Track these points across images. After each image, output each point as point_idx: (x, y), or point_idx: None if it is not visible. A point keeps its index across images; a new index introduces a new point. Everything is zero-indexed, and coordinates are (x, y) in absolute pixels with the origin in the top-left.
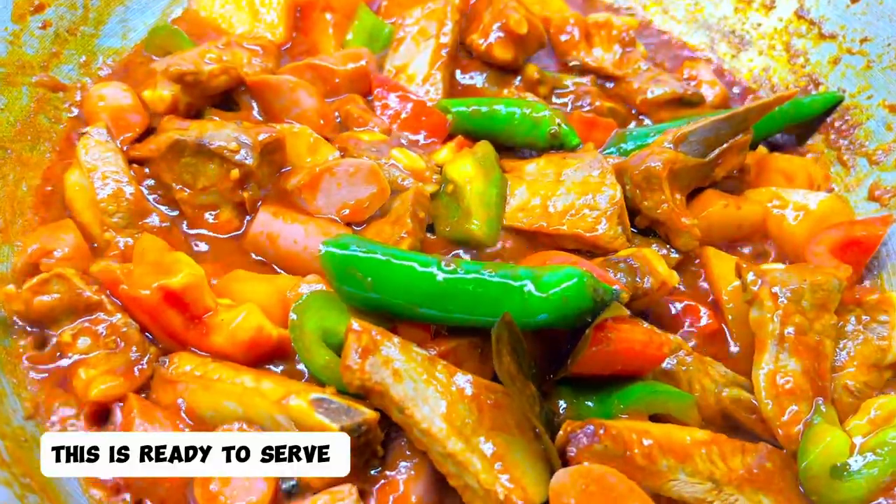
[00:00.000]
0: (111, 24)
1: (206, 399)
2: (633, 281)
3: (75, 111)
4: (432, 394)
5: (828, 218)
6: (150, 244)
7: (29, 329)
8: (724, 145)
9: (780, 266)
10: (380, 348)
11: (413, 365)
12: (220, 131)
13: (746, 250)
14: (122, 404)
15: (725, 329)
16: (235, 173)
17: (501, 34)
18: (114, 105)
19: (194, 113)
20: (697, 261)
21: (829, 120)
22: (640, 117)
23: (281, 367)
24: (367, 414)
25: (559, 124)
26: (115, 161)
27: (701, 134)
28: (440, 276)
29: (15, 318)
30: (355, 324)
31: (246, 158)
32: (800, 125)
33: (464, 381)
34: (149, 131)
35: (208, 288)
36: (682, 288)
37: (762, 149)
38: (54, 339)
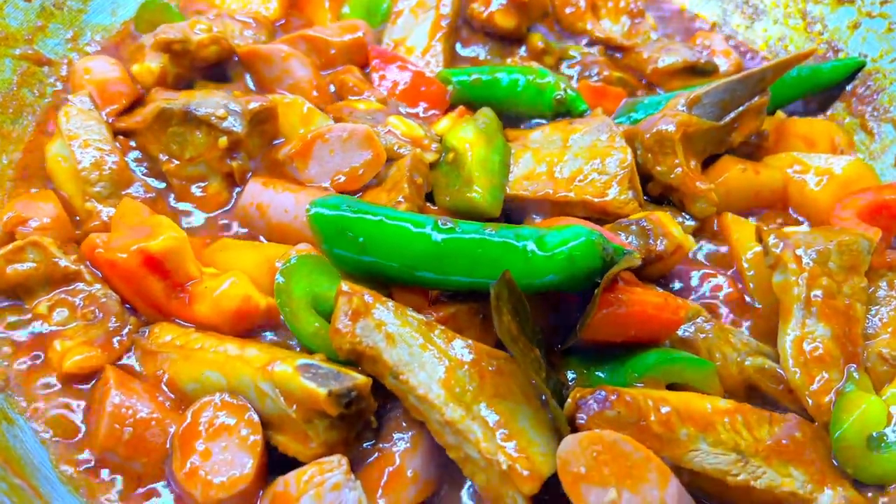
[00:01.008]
0: (100, 0)
1: (186, 370)
2: (646, 244)
3: (60, 85)
4: (429, 359)
5: (853, 183)
6: (131, 208)
7: (1, 300)
8: (741, 108)
9: (804, 228)
10: (371, 311)
11: (408, 329)
12: (207, 99)
13: (766, 219)
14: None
15: (748, 298)
16: (223, 141)
17: (503, 1)
18: (100, 78)
19: (184, 85)
20: (715, 228)
21: (850, 87)
22: (651, 87)
23: (270, 339)
24: (359, 379)
25: (565, 90)
26: (98, 130)
27: (716, 96)
28: (437, 237)
29: None
30: (345, 285)
31: (234, 126)
32: (820, 93)
33: (463, 346)
34: (135, 106)
35: (192, 254)
36: (699, 258)
37: (780, 114)
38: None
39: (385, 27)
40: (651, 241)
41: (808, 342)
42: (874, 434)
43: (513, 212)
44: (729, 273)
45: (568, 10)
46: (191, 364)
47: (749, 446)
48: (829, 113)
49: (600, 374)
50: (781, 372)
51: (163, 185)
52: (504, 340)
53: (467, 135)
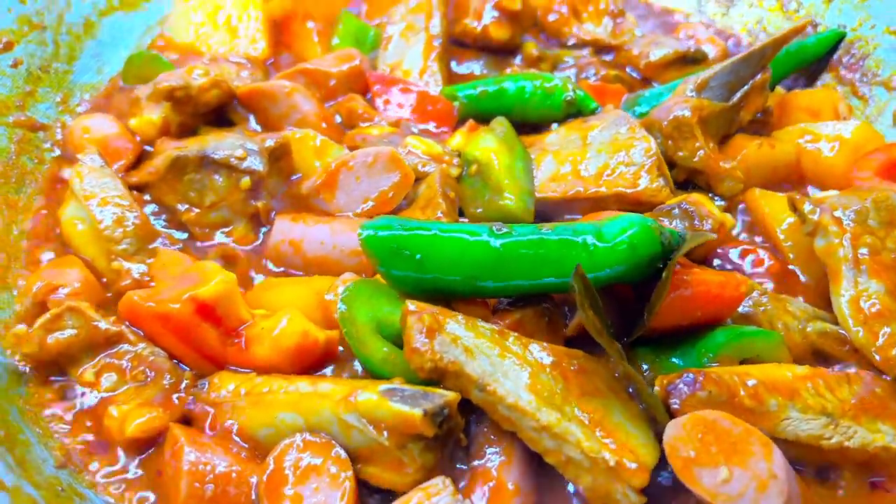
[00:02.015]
0: (84, 59)
1: (258, 416)
2: (692, 226)
3: (58, 150)
4: (510, 367)
5: (863, 145)
6: (171, 258)
7: (45, 373)
8: (746, 87)
9: (835, 192)
10: (444, 326)
11: (483, 340)
12: (222, 141)
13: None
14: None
15: (790, 267)
16: (246, 182)
17: (496, 13)
18: (100, 135)
19: (188, 133)
20: (742, 205)
21: (835, 57)
22: (647, 81)
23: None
24: (449, 395)
25: (573, 90)
26: (115, 185)
27: (721, 78)
28: (495, 243)
29: (27, 364)
30: (411, 305)
31: (255, 165)
32: (807, 68)
33: (540, 350)
34: (140, 159)
35: (241, 296)
36: (733, 234)
37: (780, 90)
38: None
39: (377, 54)
40: (696, 222)
41: (864, 300)
42: None
43: (543, 215)
44: (766, 246)
45: (551, 18)
46: (262, 409)
47: (836, 408)
48: (818, 85)
49: (674, 360)
50: (844, 333)
51: (185, 236)
52: (592, 334)
53: (489, 144)
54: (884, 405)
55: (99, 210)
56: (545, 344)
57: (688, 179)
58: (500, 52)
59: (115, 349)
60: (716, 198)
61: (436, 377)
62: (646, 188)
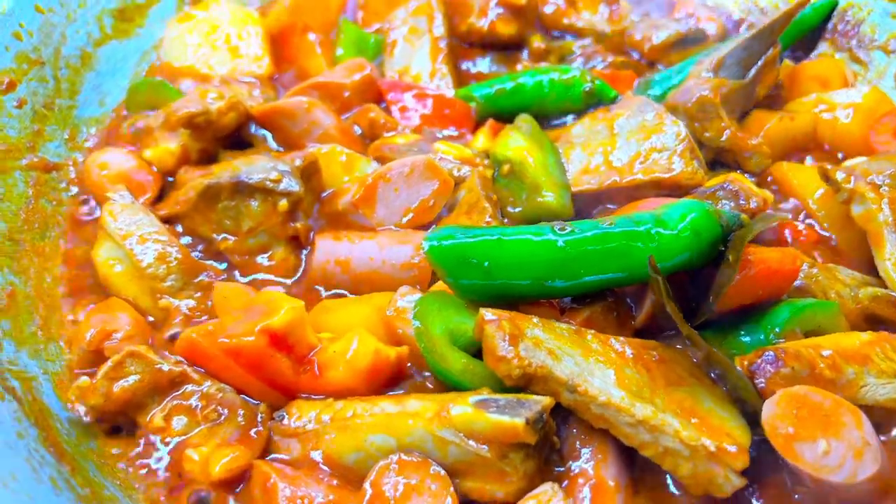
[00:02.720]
0: (85, 93)
1: (346, 441)
2: (739, 205)
3: (74, 189)
4: (595, 365)
5: (875, 109)
6: (230, 291)
7: (113, 423)
8: (760, 62)
9: (862, 159)
10: (525, 331)
11: (562, 341)
12: (253, 165)
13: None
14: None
15: (824, 234)
16: (284, 205)
17: (501, 10)
18: (118, 170)
19: (207, 160)
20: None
21: (829, 26)
22: (652, 65)
23: (401, 391)
24: (544, 401)
25: (592, 80)
26: (150, 221)
27: (736, 55)
28: (560, 242)
29: (94, 416)
30: (488, 313)
31: (292, 186)
32: (802, 39)
33: (619, 345)
34: (162, 191)
35: (309, 323)
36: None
37: (787, 62)
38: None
39: (381, 60)
40: (742, 201)
41: None
42: None
43: (579, 208)
44: (801, 218)
45: (548, 10)
46: (349, 434)
47: None
48: (815, 56)
49: (744, 339)
50: (894, 295)
51: (224, 265)
52: (677, 319)
53: (520, 143)
54: None
55: (139, 248)
56: (622, 338)
57: (715, 159)
58: (506, 49)
59: (181, 390)
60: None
61: (523, 383)
62: (682, 172)
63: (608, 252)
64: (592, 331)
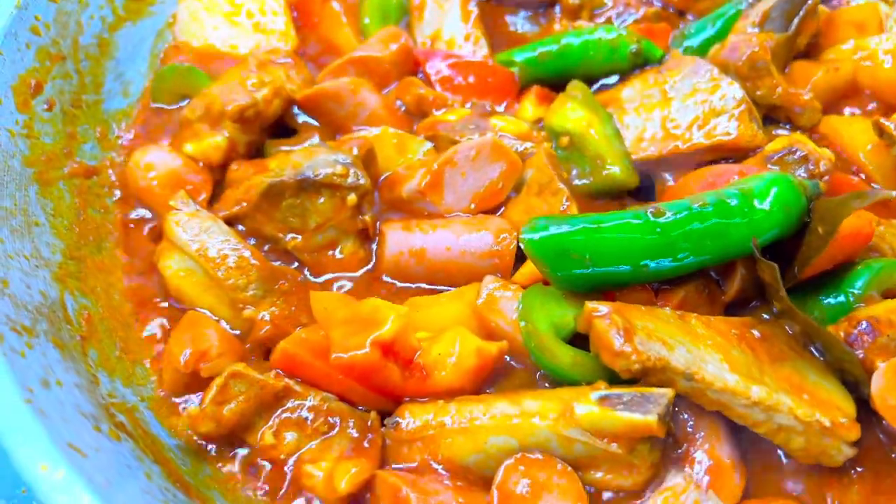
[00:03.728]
0: (108, 84)
1: (465, 444)
2: (809, 170)
3: (117, 192)
4: (706, 350)
5: None
6: (329, 301)
7: (224, 446)
8: (802, 12)
9: None
10: (636, 324)
11: (671, 329)
12: (314, 158)
13: (849, 111)
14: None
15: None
16: (353, 199)
17: None
18: (166, 171)
19: (255, 151)
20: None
21: None
22: (682, 14)
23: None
24: (669, 393)
25: (638, 40)
26: (220, 229)
27: (781, 7)
28: (657, 227)
29: (205, 441)
30: (601, 307)
31: (359, 179)
32: None
33: (723, 326)
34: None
35: (411, 325)
36: None
37: (822, 8)
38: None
39: (407, 21)
40: (812, 165)
41: None
42: None
43: (641, 175)
44: (853, 170)
45: None
46: (469, 437)
47: None
48: None
49: (826, 302)
50: None
51: (294, 265)
52: (784, 303)
53: (579, 115)
54: None
55: (214, 260)
56: (724, 318)
57: (766, 115)
58: (538, 6)
59: (287, 405)
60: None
61: (640, 375)
62: (742, 133)
63: (705, 234)
64: (695, 315)
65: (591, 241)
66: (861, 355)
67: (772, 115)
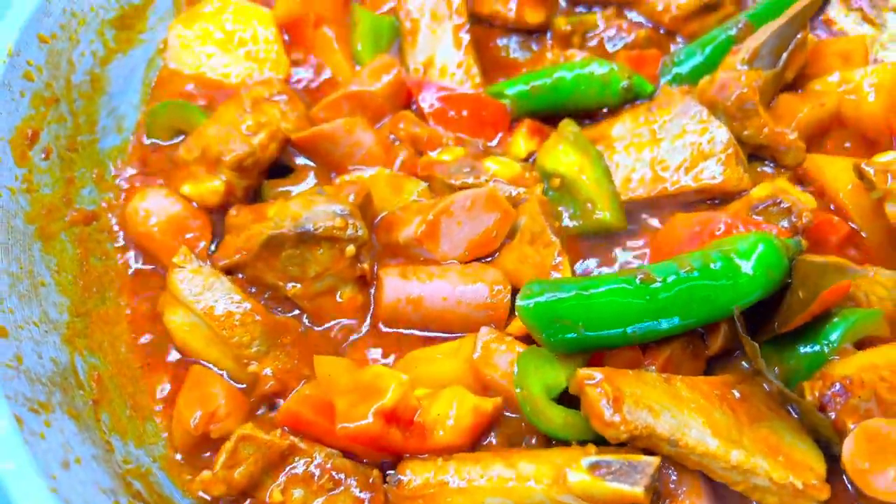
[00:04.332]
0: (103, 121)
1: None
2: (792, 222)
3: (117, 236)
4: (689, 415)
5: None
6: (332, 367)
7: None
8: (791, 46)
9: (893, 155)
10: (624, 390)
11: (657, 394)
12: (312, 209)
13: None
14: None
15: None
16: (351, 250)
17: None
18: (166, 218)
19: (252, 194)
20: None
21: None
22: (671, 34)
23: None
24: (654, 462)
25: (629, 77)
26: (222, 285)
27: (770, 45)
28: (646, 294)
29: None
30: (593, 375)
31: (357, 231)
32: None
33: (706, 387)
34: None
35: (410, 388)
36: None
37: (811, 37)
38: None
39: (399, 46)
40: (794, 217)
41: None
42: None
43: (628, 214)
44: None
45: None
46: (467, 497)
47: None
48: (827, 11)
49: (802, 351)
50: None
51: (294, 312)
52: (761, 368)
53: (570, 158)
54: None
55: (218, 318)
56: (706, 378)
57: (751, 153)
58: (531, 32)
59: (293, 463)
60: (781, 168)
61: (627, 441)
62: (729, 178)
63: (692, 299)
64: (680, 377)
65: (582, 308)
66: (833, 416)
67: (757, 154)
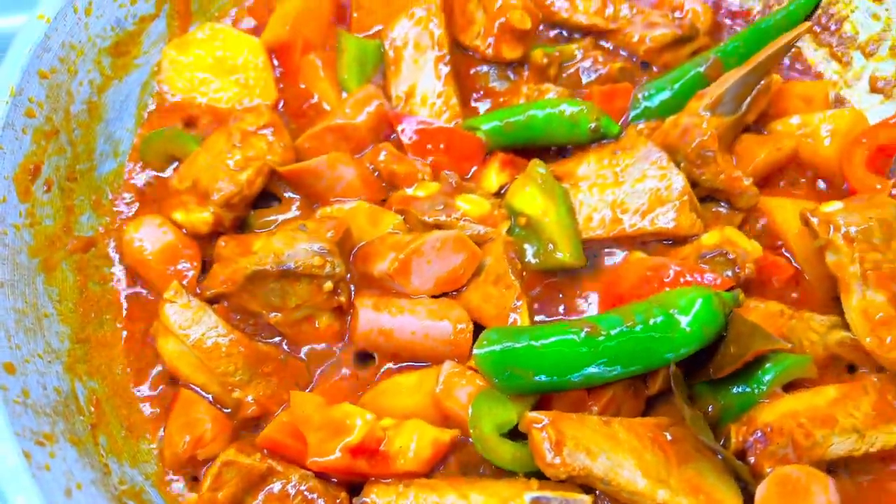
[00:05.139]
0: (100, 147)
1: None
2: (735, 272)
3: (114, 261)
4: (623, 457)
5: (852, 132)
6: (306, 404)
7: None
8: (754, 92)
9: (840, 205)
10: (566, 433)
11: (596, 437)
12: (294, 247)
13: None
14: None
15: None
16: (329, 286)
17: (505, 33)
18: (159, 247)
19: (239, 224)
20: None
21: (814, 17)
22: (645, 65)
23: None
24: (587, 499)
25: (598, 118)
26: (209, 319)
27: (733, 91)
28: (591, 346)
29: None
30: (540, 419)
31: (335, 268)
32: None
33: (641, 429)
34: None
35: (376, 422)
36: None
37: (777, 78)
38: None
39: (383, 72)
40: (737, 269)
41: (871, 311)
42: None
43: (588, 250)
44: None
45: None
46: None
47: (862, 423)
48: (798, 45)
49: (735, 391)
50: (855, 337)
51: (276, 339)
52: (688, 417)
53: (536, 200)
54: (892, 408)
55: (205, 349)
56: (643, 420)
57: (707, 195)
58: (506, 66)
59: (271, 483)
60: (735, 210)
61: (566, 479)
62: (682, 224)
63: (634, 351)
64: (619, 419)
65: (532, 357)
66: (752, 460)
67: (713, 196)
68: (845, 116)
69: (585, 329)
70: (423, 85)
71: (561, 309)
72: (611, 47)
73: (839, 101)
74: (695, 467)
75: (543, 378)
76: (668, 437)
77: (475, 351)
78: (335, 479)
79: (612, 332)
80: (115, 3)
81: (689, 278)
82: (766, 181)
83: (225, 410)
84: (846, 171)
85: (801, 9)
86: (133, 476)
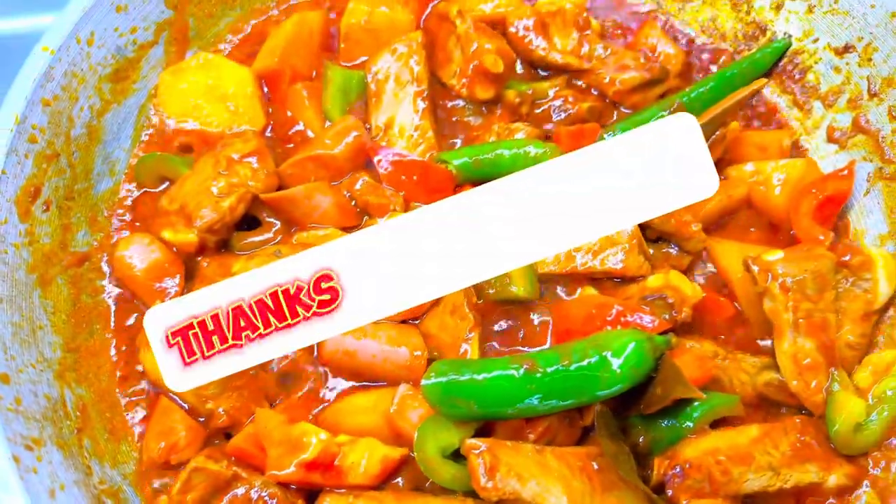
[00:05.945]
0: (97, 168)
1: None
2: (672, 315)
3: (105, 271)
4: (552, 482)
5: (802, 181)
6: (269, 421)
7: None
8: (710, 140)
9: (780, 255)
10: (500, 458)
11: (529, 464)
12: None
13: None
14: None
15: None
16: None
17: (479, 75)
18: (148, 264)
19: (223, 245)
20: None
21: (780, 65)
22: (615, 104)
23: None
24: None
25: None
26: None
27: None
28: (530, 382)
29: None
30: (477, 446)
31: None
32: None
33: (571, 458)
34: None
35: (331, 439)
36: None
37: (736, 125)
38: None
39: (364, 103)
40: (675, 312)
41: (799, 356)
42: (859, 423)
43: (541, 284)
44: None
45: (521, 35)
46: None
47: (779, 461)
48: (763, 91)
49: (664, 425)
50: (782, 379)
51: None
52: (609, 453)
53: None
54: (811, 449)
55: None
56: (572, 450)
57: (658, 237)
58: (481, 105)
59: (236, 488)
60: (683, 252)
61: (497, 501)
62: (629, 266)
63: (568, 387)
64: (550, 448)
65: (474, 390)
66: (670, 493)
67: (663, 237)
68: (797, 166)
69: (525, 366)
70: (402, 117)
71: (521, 335)
72: (583, 85)
73: (797, 148)
74: (617, 496)
75: (483, 409)
76: (595, 467)
77: (423, 382)
78: (294, 486)
79: (549, 370)
80: (116, 33)
81: (629, 318)
82: (716, 224)
83: (199, 419)
84: (793, 220)
85: (768, 57)
86: (112, 476)
